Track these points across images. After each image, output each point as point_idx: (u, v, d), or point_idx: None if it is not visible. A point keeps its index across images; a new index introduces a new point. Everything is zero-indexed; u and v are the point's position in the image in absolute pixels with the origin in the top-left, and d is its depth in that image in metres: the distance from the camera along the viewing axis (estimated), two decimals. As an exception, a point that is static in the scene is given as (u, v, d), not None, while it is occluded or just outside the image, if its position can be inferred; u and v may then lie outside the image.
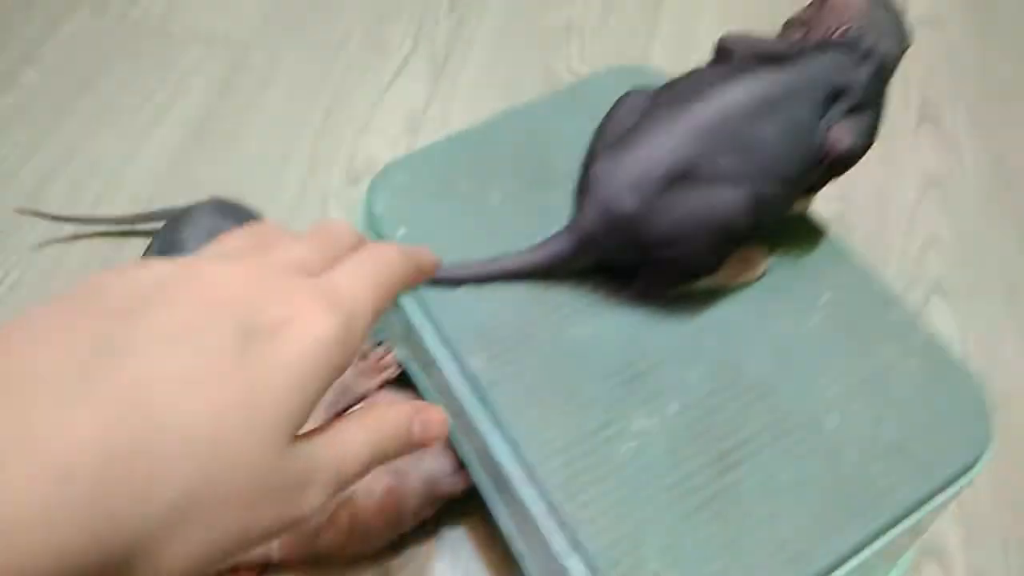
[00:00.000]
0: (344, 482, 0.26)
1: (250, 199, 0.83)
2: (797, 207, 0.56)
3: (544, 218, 0.54)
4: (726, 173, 0.47)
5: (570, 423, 0.47)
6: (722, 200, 0.47)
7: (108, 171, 0.85)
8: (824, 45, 0.50)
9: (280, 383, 0.24)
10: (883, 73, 0.51)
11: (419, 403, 0.31)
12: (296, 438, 0.25)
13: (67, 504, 0.20)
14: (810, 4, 0.54)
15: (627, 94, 0.52)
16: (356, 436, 0.27)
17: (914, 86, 0.95)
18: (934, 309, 0.78)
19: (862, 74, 0.50)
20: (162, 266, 0.26)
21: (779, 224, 0.54)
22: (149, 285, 0.25)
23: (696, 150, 0.46)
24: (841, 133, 0.50)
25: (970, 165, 0.88)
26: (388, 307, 0.31)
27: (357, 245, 0.31)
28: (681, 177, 0.46)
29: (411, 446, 0.29)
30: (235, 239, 0.29)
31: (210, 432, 0.22)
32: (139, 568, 0.21)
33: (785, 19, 0.57)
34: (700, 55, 0.96)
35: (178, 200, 0.81)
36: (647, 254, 0.48)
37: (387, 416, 0.29)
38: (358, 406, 0.53)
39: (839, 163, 0.52)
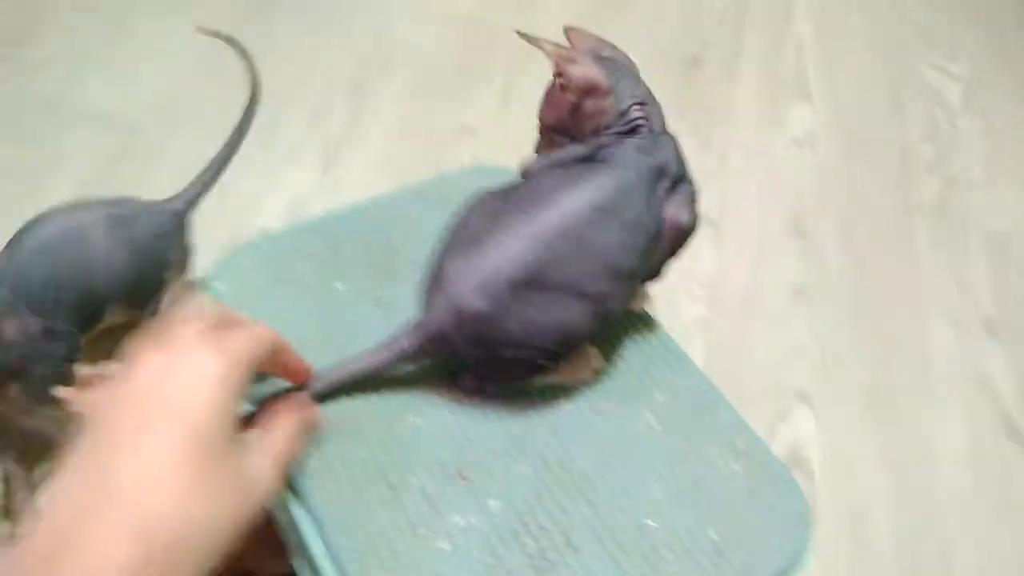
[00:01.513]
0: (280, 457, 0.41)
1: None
2: (637, 301, 0.57)
3: (387, 311, 0.54)
4: (572, 279, 0.47)
5: (391, 518, 0.45)
6: (568, 306, 0.48)
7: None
8: (619, 134, 0.52)
9: (202, 418, 0.36)
10: (675, 140, 0.53)
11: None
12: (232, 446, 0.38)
13: None
14: (551, 110, 0.55)
15: (482, 195, 0.52)
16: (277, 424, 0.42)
17: (784, 201, 0.99)
18: (796, 416, 0.80)
19: (667, 148, 0.52)
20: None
21: (619, 322, 0.55)
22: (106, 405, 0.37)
23: (544, 256, 0.47)
24: (677, 210, 0.52)
25: (835, 276, 0.92)
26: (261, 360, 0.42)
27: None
28: (529, 282, 0.47)
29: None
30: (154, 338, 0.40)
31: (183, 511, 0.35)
32: None
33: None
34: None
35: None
36: (492, 353, 0.48)
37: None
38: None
39: (681, 238, 0.53)
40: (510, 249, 0.47)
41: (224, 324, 0.41)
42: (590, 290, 0.48)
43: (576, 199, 0.48)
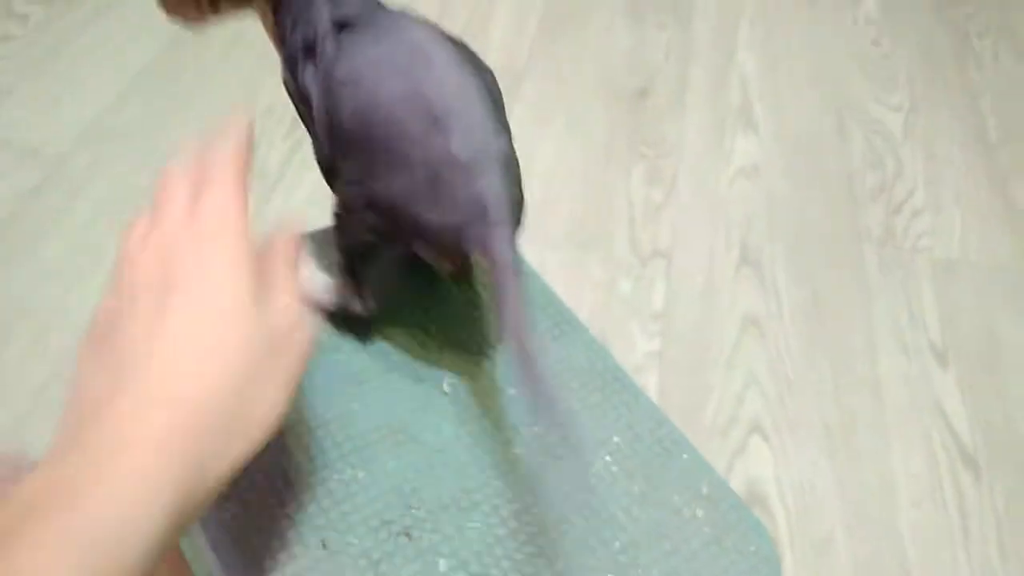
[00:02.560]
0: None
1: (41, 312, 0.75)
2: None
3: (324, 350, 0.50)
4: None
5: (329, 583, 0.41)
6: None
7: None
8: None
9: (221, 286, 0.34)
10: None
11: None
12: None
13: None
14: None
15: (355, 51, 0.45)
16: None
17: (735, 231, 0.98)
18: (753, 448, 0.77)
19: None
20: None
21: (572, 358, 0.52)
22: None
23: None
24: None
25: (787, 306, 0.91)
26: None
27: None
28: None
29: None
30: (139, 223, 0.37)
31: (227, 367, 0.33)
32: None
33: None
34: (536, 191, 0.96)
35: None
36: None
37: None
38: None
39: None
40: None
41: (201, 180, 0.38)
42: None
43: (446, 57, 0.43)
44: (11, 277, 0.78)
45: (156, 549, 0.29)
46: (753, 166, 1.07)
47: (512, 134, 0.45)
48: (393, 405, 0.48)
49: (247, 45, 1.08)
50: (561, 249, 0.90)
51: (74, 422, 0.32)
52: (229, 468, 0.32)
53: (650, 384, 0.80)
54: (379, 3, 0.47)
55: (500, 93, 0.45)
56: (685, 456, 0.50)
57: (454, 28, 1.17)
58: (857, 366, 0.85)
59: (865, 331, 0.89)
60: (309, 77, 0.46)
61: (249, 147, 0.39)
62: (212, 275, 0.34)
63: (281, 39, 0.48)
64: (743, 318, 0.88)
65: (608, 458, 0.48)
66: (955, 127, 1.18)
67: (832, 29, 1.34)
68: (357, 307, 0.49)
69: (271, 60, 1.03)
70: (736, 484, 0.74)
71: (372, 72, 0.43)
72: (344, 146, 0.45)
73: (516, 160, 0.45)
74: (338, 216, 0.47)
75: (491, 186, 0.41)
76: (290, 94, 0.49)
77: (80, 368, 0.34)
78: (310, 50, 0.46)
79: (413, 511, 0.44)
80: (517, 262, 0.42)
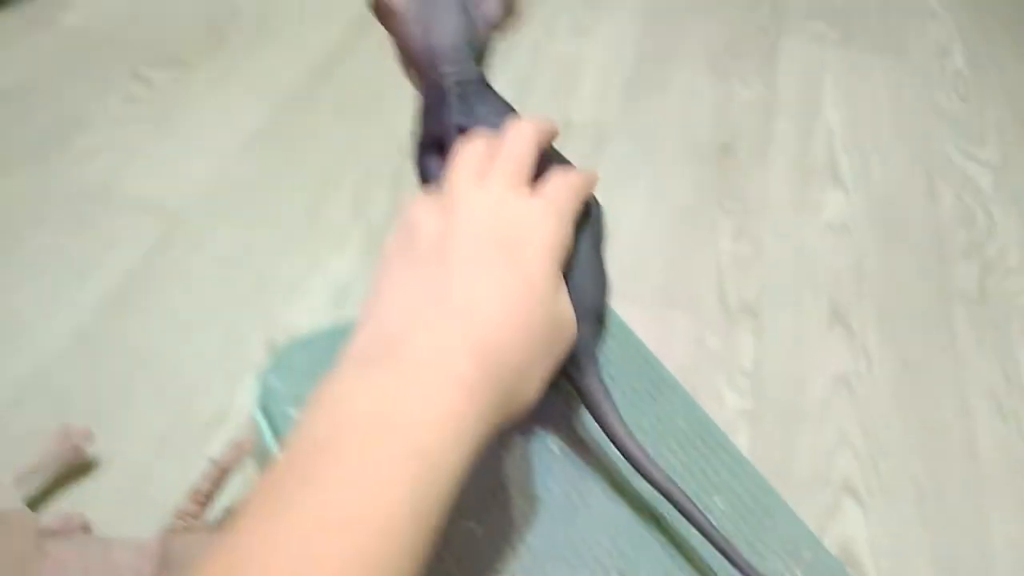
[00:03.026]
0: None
1: (167, 366, 0.80)
2: None
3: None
4: None
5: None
6: None
7: (21, 331, 0.82)
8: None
9: (540, 275, 0.36)
10: None
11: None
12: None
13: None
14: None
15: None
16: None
17: (823, 287, 0.98)
18: (844, 511, 0.77)
19: None
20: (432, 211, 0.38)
21: (672, 418, 0.54)
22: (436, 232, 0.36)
23: None
24: None
25: (878, 365, 0.90)
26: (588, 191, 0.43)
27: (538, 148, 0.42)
28: None
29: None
30: (471, 161, 0.39)
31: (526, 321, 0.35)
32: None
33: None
34: (624, 247, 0.99)
35: (91, 361, 0.79)
36: None
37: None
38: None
39: None
40: None
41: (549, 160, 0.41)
42: None
43: None
44: (134, 328, 0.84)
45: (456, 491, 0.30)
46: (841, 222, 1.07)
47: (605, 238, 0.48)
48: (505, 463, 0.51)
49: (353, 108, 1.14)
50: (649, 306, 0.92)
51: (379, 336, 0.33)
52: (497, 429, 0.33)
53: (741, 442, 0.80)
54: (509, 107, 0.50)
55: (603, 225, 0.49)
56: (786, 521, 0.51)
57: (541, 91, 1.21)
58: (951, 428, 0.84)
59: (958, 391, 0.88)
60: (434, 168, 0.50)
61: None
62: (537, 249, 0.36)
63: (419, 120, 0.53)
64: (833, 376, 0.88)
65: (712, 522, 0.50)
66: None
67: (919, 83, 1.34)
68: None
69: (375, 123, 1.08)
70: (828, 545, 0.74)
71: None
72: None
73: (607, 289, 0.48)
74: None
75: (582, 337, 0.44)
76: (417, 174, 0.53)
77: (388, 274, 0.36)
78: (439, 145, 0.50)
79: (525, 565, 0.47)
80: (604, 386, 0.46)
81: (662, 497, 0.48)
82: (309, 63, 1.21)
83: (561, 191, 0.40)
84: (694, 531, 0.49)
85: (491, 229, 0.36)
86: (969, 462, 0.82)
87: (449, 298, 0.34)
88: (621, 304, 0.90)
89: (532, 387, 0.36)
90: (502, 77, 1.22)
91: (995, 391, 0.88)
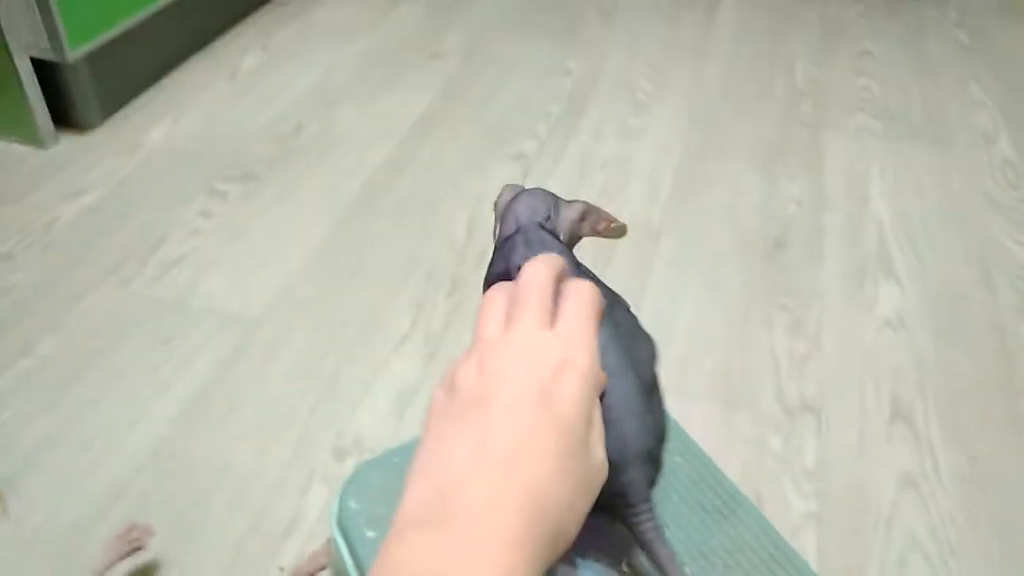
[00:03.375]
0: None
1: (237, 471, 0.83)
2: None
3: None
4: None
5: None
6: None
7: (104, 444, 0.86)
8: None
9: (574, 413, 0.37)
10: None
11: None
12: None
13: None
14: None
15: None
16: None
17: (884, 383, 0.98)
18: (920, 619, 0.75)
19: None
20: (469, 368, 0.39)
21: (735, 526, 0.54)
22: (475, 385, 0.38)
23: None
24: None
25: (944, 465, 0.89)
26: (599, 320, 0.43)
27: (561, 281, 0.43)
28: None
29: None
30: (495, 311, 0.41)
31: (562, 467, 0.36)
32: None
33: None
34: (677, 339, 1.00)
35: (169, 471, 0.82)
36: None
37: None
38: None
39: None
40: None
41: (563, 288, 0.43)
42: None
43: None
44: (210, 438, 0.87)
45: None
46: (898, 316, 1.07)
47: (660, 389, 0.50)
48: (580, 582, 0.52)
49: (411, 217, 1.19)
50: (708, 405, 0.93)
51: (433, 490, 0.35)
52: (550, 560, 0.35)
53: (809, 546, 0.79)
54: (567, 249, 0.55)
55: (655, 360, 0.51)
56: (864, 644, 0.50)
57: (592, 192, 1.25)
58: (1022, 529, 0.82)
59: (1031, 492, 0.86)
60: None
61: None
62: (569, 401, 0.37)
63: (491, 260, 0.57)
64: (899, 477, 0.87)
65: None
66: None
67: (967, 172, 1.35)
68: None
69: (432, 231, 1.12)
70: (905, 657, 0.72)
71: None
72: None
73: (662, 430, 0.49)
74: None
75: (632, 481, 0.46)
76: None
77: (434, 427, 0.38)
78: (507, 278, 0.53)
79: None
80: (657, 524, 0.47)
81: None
82: (369, 175, 1.27)
83: (579, 319, 0.41)
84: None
85: (523, 374, 0.38)
86: (1047, 566, 0.79)
87: (491, 451, 0.35)
88: (679, 405, 0.91)
89: (574, 525, 0.37)
90: (554, 181, 1.27)
91: (1069, 490, 0.86)
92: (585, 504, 0.38)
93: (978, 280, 1.13)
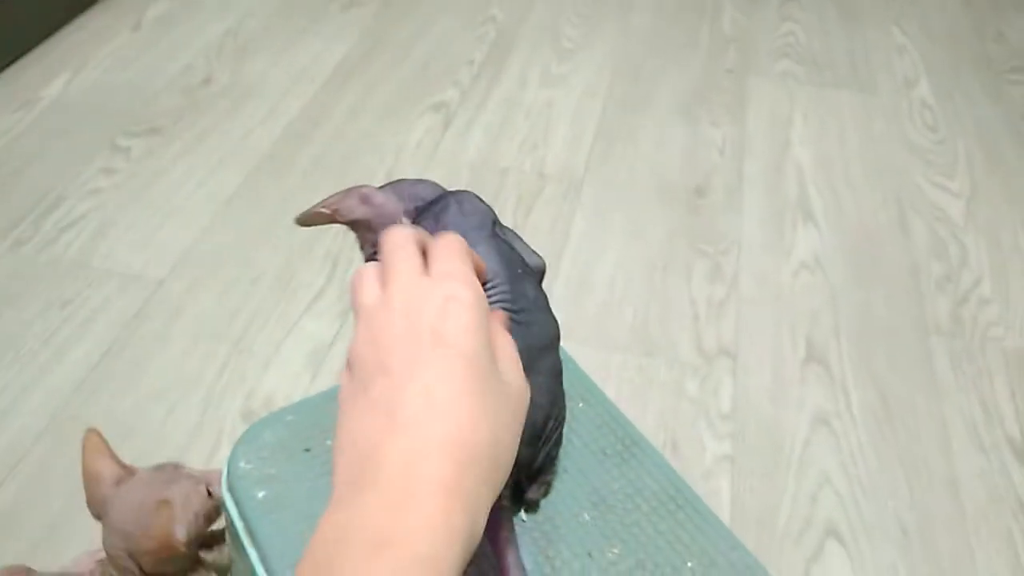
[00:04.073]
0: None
1: (143, 434, 0.80)
2: None
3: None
4: None
5: None
6: None
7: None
8: None
9: (471, 344, 0.36)
10: None
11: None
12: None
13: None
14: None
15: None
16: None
17: (800, 326, 0.98)
18: (828, 553, 0.77)
19: None
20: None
21: (641, 479, 0.54)
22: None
23: None
24: None
25: (856, 403, 0.90)
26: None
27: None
28: None
29: None
30: (369, 280, 0.40)
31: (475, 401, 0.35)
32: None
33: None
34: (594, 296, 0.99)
35: (71, 436, 0.79)
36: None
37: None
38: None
39: None
40: None
41: (428, 248, 0.42)
42: None
43: None
44: (116, 400, 0.84)
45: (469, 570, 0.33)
46: (815, 259, 1.08)
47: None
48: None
49: (326, 170, 1.15)
50: (626, 352, 0.92)
51: (354, 462, 0.35)
52: (493, 495, 0.35)
53: (722, 488, 0.80)
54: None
55: (555, 343, 0.50)
56: (759, 580, 0.50)
57: (515, 141, 1.23)
58: (932, 464, 0.84)
59: (938, 427, 0.88)
60: None
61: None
62: (462, 333, 0.37)
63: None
64: (813, 417, 0.88)
65: (683, 585, 0.49)
66: (1018, 211, 1.17)
67: (886, 116, 1.36)
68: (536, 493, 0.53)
69: (346, 183, 1.08)
70: (814, 591, 0.73)
71: None
72: None
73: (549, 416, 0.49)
74: None
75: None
76: None
77: (346, 410, 0.38)
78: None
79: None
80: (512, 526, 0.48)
81: (634, 564, 0.48)
82: (283, 127, 1.22)
83: (451, 259, 0.41)
84: (665, 596, 0.48)
85: (410, 326, 0.37)
86: (951, 498, 0.82)
87: (403, 406, 0.35)
88: (596, 353, 0.91)
89: (507, 454, 0.37)
90: (476, 130, 1.25)
91: (974, 423, 0.88)
92: (513, 432, 0.38)
93: (894, 222, 1.15)
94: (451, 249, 0.41)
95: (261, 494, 0.52)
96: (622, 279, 1.02)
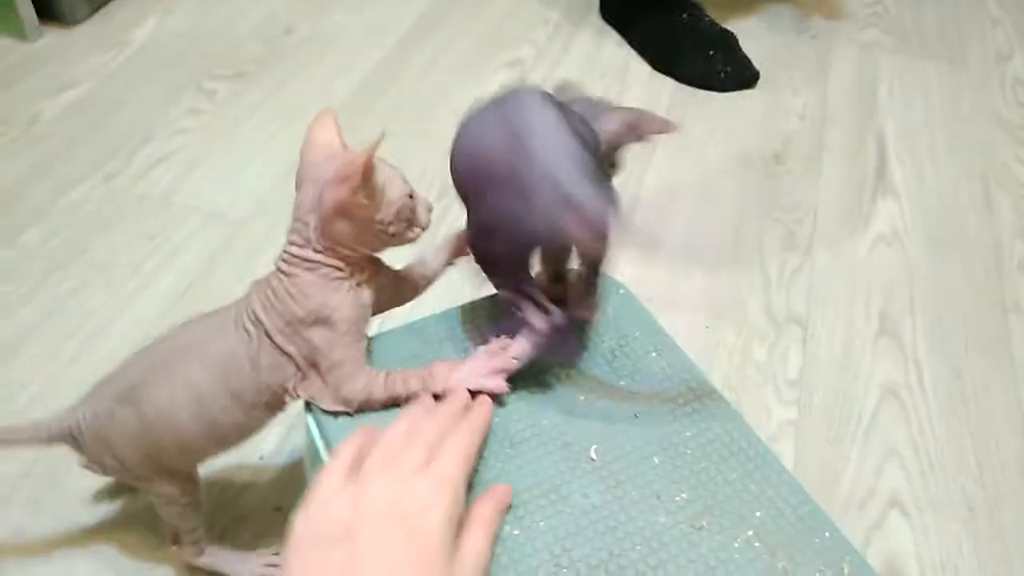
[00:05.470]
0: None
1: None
2: None
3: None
4: None
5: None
6: None
7: (89, 331, 0.86)
8: None
9: (435, 542, 0.42)
10: None
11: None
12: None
13: None
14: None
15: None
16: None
17: (874, 299, 0.96)
18: (891, 524, 0.76)
19: None
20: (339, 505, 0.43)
21: (713, 431, 0.54)
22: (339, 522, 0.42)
23: None
24: None
25: (928, 378, 0.88)
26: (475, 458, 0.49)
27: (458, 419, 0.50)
28: None
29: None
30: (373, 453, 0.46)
31: None
32: None
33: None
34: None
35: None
36: None
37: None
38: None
39: None
40: None
41: (437, 439, 0.48)
42: None
43: None
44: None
45: None
46: (893, 232, 1.05)
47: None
48: (545, 468, 0.52)
49: (405, 121, 1.16)
50: (695, 315, 0.92)
51: None
52: None
53: (786, 453, 0.80)
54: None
55: (598, 145, 0.51)
56: (827, 534, 0.50)
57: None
58: (1002, 444, 0.82)
59: (1012, 406, 0.86)
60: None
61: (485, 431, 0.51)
62: (432, 523, 0.42)
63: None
64: (882, 389, 0.87)
65: (751, 533, 0.50)
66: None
67: (977, 90, 1.31)
68: (542, 322, 0.53)
69: (424, 137, 1.08)
70: (873, 559, 0.73)
71: (475, 123, 0.52)
72: (461, 194, 0.53)
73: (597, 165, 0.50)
74: (478, 265, 0.54)
75: (569, 179, 0.46)
76: None
77: (302, 552, 0.42)
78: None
79: (564, 570, 0.47)
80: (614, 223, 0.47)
81: (701, 509, 0.48)
82: (361, 79, 1.23)
83: (455, 464, 0.46)
84: (735, 543, 0.49)
85: (391, 512, 0.43)
86: (1020, 478, 0.80)
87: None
88: (668, 314, 0.90)
89: None
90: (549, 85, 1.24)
91: (1051, 407, 0.86)
92: None
93: (978, 198, 1.11)
94: (460, 447, 0.47)
95: (340, 419, 0.54)
96: (695, 243, 1.01)
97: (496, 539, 0.47)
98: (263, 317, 0.53)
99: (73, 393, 0.59)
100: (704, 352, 0.88)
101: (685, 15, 1.31)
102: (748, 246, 1.01)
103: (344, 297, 0.52)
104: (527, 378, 0.55)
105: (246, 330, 0.53)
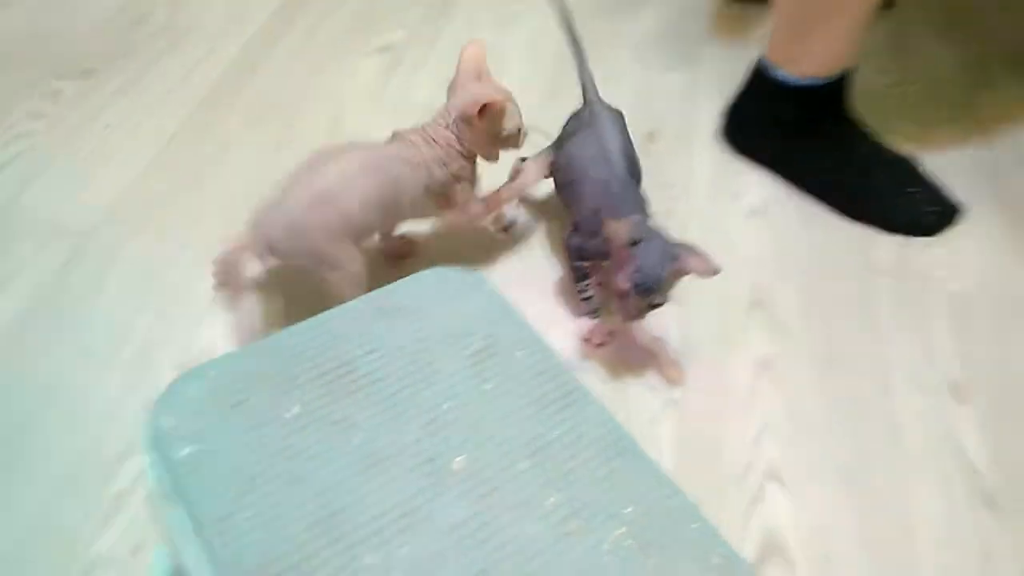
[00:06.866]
0: None
1: (67, 393, 0.77)
2: None
3: (343, 429, 0.51)
4: None
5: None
6: None
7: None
8: None
9: None
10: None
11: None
12: None
13: None
14: None
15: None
16: None
17: (745, 271, 0.98)
18: (769, 497, 0.77)
19: None
20: None
21: (577, 428, 0.53)
22: None
23: None
24: None
25: (801, 347, 0.90)
26: None
27: None
28: None
29: None
30: None
31: None
32: None
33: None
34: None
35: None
36: None
37: None
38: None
39: None
40: None
41: None
42: None
43: None
44: (40, 360, 0.80)
45: None
46: (762, 203, 1.07)
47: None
48: (406, 488, 0.49)
49: (267, 116, 1.11)
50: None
51: None
52: None
53: (665, 431, 0.80)
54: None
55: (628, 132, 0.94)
56: (695, 525, 0.50)
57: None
58: (873, 407, 0.85)
59: (880, 370, 0.88)
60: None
61: None
62: None
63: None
64: (757, 361, 0.88)
65: (622, 530, 0.49)
66: (962, 152, 1.17)
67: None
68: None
69: (288, 130, 1.04)
70: (754, 532, 0.74)
71: (575, 146, 0.91)
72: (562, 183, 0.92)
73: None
74: (569, 239, 0.88)
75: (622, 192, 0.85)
76: None
77: None
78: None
79: (431, 595, 0.45)
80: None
81: (571, 512, 0.47)
82: (222, 70, 1.16)
83: None
84: (605, 545, 0.48)
85: None
86: (891, 439, 0.82)
87: None
88: (538, 300, 0.89)
89: None
90: (424, 74, 1.20)
91: (915, 368, 0.89)
92: None
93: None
94: None
95: (187, 451, 0.50)
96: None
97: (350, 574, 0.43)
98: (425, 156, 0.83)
99: None
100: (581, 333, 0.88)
101: None
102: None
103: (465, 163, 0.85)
104: (389, 394, 0.53)
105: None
